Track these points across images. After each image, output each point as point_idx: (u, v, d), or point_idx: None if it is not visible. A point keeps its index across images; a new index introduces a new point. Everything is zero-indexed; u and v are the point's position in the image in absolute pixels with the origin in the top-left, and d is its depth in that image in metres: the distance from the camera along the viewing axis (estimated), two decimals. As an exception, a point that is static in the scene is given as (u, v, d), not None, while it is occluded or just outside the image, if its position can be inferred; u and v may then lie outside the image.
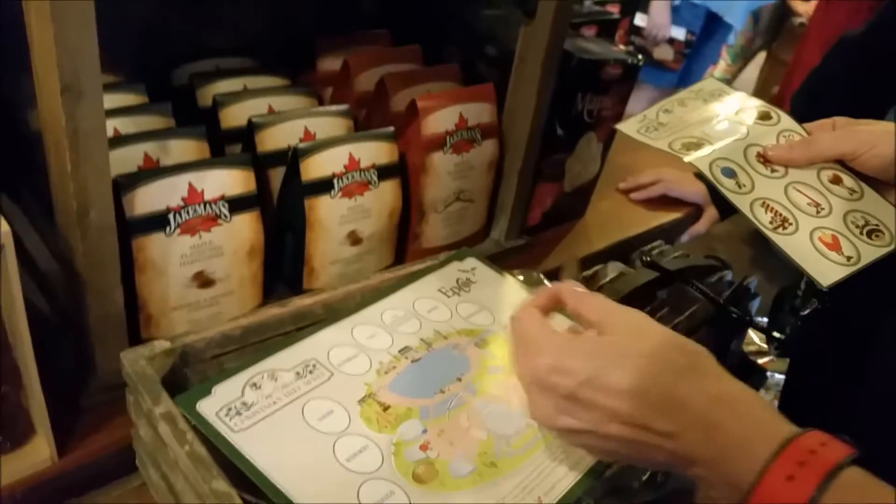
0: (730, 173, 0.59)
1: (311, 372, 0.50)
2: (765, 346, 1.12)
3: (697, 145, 0.62)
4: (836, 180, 0.61)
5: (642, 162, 1.21)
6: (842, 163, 0.62)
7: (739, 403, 0.43)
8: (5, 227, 0.46)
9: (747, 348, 1.19)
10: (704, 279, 0.91)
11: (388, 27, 0.99)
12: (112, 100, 0.74)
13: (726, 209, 1.09)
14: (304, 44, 0.93)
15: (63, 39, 0.48)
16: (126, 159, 0.65)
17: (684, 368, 0.45)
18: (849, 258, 0.56)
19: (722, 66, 3.74)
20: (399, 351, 0.54)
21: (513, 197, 0.89)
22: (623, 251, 1.00)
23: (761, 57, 3.51)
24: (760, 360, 1.00)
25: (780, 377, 1.02)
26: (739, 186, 0.59)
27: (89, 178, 0.52)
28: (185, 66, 0.87)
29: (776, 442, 0.40)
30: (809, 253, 0.55)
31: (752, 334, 1.14)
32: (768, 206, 0.58)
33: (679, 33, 2.28)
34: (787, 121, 0.65)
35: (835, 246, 0.56)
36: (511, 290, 0.66)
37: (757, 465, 0.39)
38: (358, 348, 0.54)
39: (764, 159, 0.61)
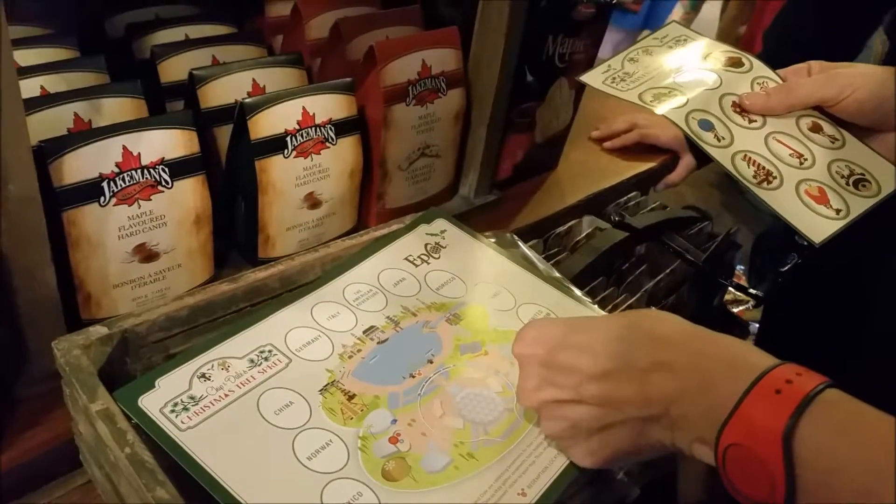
0: (707, 126, 0.56)
1: (266, 359, 0.45)
2: (741, 294, 1.10)
3: (669, 96, 0.58)
4: (816, 128, 0.59)
5: (615, 108, 1.16)
6: (820, 109, 0.60)
7: (719, 338, 0.42)
8: None
9: (728, 298, 1.18)
10: (684, 231, 0.88)
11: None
12: (40, 54, 0.67)
13: (704, 156, 1.06)
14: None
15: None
16: (54, 121, 0.58)
17: (658, 317, 0.44)
18: (838, 211, 0.53)
19: (680, 13, 3.67)
20: (364, 332, 0.50)
21: (482, 150, 0.84)
22: (598, 204, 0.96)
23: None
24: (739, 309, 0.99)
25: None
26: (718, 139, 0.55)
27: (5, 146, 0.46)
28: (120, 15, 0.79)
29: (756, 371, 0.38)
30: (797, 208, 0.53)
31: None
32: (750, 159, 0.55)
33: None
34: (759, 67, 0.62)
35: (822, 199, 0.53)
36: (483, 255, 0.62)
37: (737, 394, 0.38)
38: (318, 330, 0.49)
39: (740, 109, 0.58)
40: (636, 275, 0.82)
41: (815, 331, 0.70)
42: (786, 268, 0.78)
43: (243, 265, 0.70)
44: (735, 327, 0.98)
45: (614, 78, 0.64)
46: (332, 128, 0.70)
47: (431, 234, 0.62)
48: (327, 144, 0.70)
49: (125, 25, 0.77)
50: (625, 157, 1.06)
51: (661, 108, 0.58)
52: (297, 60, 0.75)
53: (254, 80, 0.71)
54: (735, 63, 0.64)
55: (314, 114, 0.68)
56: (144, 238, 0.59)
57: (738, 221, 1.03)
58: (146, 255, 0.59)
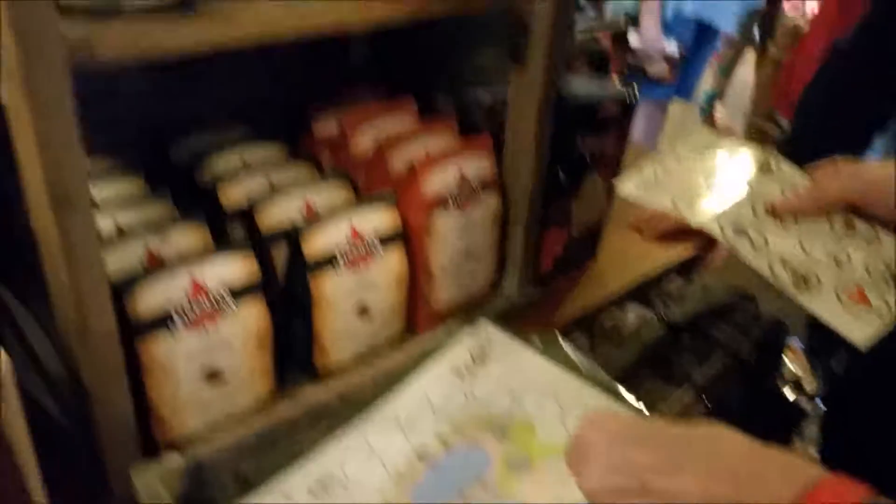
0: (741, 232, 0.58)
1: (325, 490, 0.48)
2: (799, 371, 1.09)
3: (701, 204, 0.61)
4: (850, 226, 0.60)
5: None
6: (851, 207, 0.61)
7: (775, 455, 0.43)
8: (5, 359, 0.44)
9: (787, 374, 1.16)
10: (729, 316, 0.89)
11: (379, 78, 0.98)
12: (112, 189, 0.74)
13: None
14: (300, 106, 0.92)
15: (50, 157, 0.47)
16: (128, 257, 0.64)
17: (718, 434, 0.45)
18: (880, 311, 0.54)
19: (711, 81, 3.74)
20: (416, 454, 0.52)
21: (521, 248, 0.87)
22: (641, 292, 0.98)
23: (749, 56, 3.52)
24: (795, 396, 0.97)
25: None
26: (754, 246, 0.57)
27: (87, 289, 0.51)
28: (184, 141, 0.86)
29: (802, 483, 0.39)
30: (839, 312, 0.53)
31: (789, 362, 1.11)
32: (787, 263, 0.56)
33: (672, 47, 2.27)
34: (787, 169, 0.64)
35: (863, 299, 0.54)
36: (527, 362, 0.64)
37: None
38: (373, 456, 0.51)
39: (773, 213, 0.60)
40: (683, 365, 0.82)
41: (876, 426, 0.69)
42: (838, 359, 0.78)
43: (302, 377, 0.73)
44: (791, 411, 0.97)
45: (646, 185, 0.66)
46: (379, 240, 0.74)
47: (476, 343, 0.64)
48: (374, 256, 0.74)
49: (187, 152, 0.84)
50: (665, 242, 1.08)
51: (696, 217, 0.60)
52: (344, 177, 0.80)
53: (306, 200, 0.76)
54: (763, 166, 0.66)
55: (361, 229, 0.73)
56: (211, 361, 0.63)
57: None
58: (213, 376, 0.63)
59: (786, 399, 0.96)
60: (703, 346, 0.83)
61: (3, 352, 0.45)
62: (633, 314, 0.90)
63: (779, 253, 0.57)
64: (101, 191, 0.72)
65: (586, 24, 1.22)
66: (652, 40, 2.30)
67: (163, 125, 0.86)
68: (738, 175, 0.65)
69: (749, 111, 3.39)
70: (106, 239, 0.62)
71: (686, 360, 0.83)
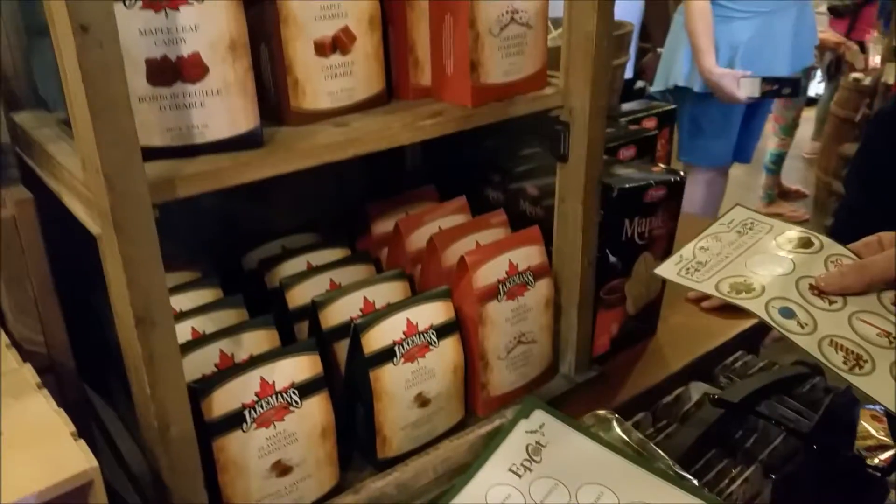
0: (789, 313, 0.58)
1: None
2: (884, 438, 1.03)
3: (746, 285, 0.61)
4: None
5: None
6: None
7: None
8: (93, 460, 0.50)
9: (864, 443, 1.10)
10: (798, 391, 0.87)
11: (432, 180, 1.05)
12: (190, 298, 0.81)
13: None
14: (359, 210, 0.99)
15: (135, 280, 0.54)
16: (204, 359, 0.70)
17: None
18: None
19: (776, 142, 3.69)
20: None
21: (575, 331, 0.89)
22: (704, 368, 0.97)
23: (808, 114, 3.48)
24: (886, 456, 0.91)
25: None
26: (802, 326, 0.57)
27: (167, 398, 0.57)
28: (255, 250, 0.94)
29: None
30: (894, 392, 0.53)
31: (868, 426, 1.06)
32: (838, 344, 0.55)
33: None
34: (829, 245, 0.64)
35: None
36: (583, 451, 0.65)
37: None
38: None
39: (818, 291, 0.60)
40: (751, 443, 0.81)
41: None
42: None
43: (365, 466, 0.77)
44: (872, 483, 0.92)
45: (688, 268, 0.67)
46: (434, 332, 0.78)
47: (531, 432, 0.66)
48: (431, 347, 0.78)
49: (257, 260, 0.92)
50: (725, 315, 1.07)
51: (740, 300, 0.60)
52: (400, 274, 0.85)
53: (364, 297, 0.81)
54: (805, 244, 0.65)
55: (417, 322, 0.77)
56: (280, 455, 0.67)
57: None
58: (281, 469, 0.67)
59: (865, 471, 0.92)
60: (770, 422, 0.82)
61: (93, 458, 0.50)
62: (695, 391, 0.90)
63: (828, 333, 0.57)
64: (181, 299, 0.80)
65: (632, 109, 1.27)
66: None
67: (235, 236, 0.95)
68: (779, 253, 0.65)
69: (815, 170, 3.32)
70: (183, 344, 0.68)
71: (752, 437, 0.81)
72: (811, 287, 0.61)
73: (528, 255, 0.85)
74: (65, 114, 0.72)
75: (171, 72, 0.59)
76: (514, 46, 0.77)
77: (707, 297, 1.11)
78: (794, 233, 0.68)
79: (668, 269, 0.69)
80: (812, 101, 4.18)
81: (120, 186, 0.51)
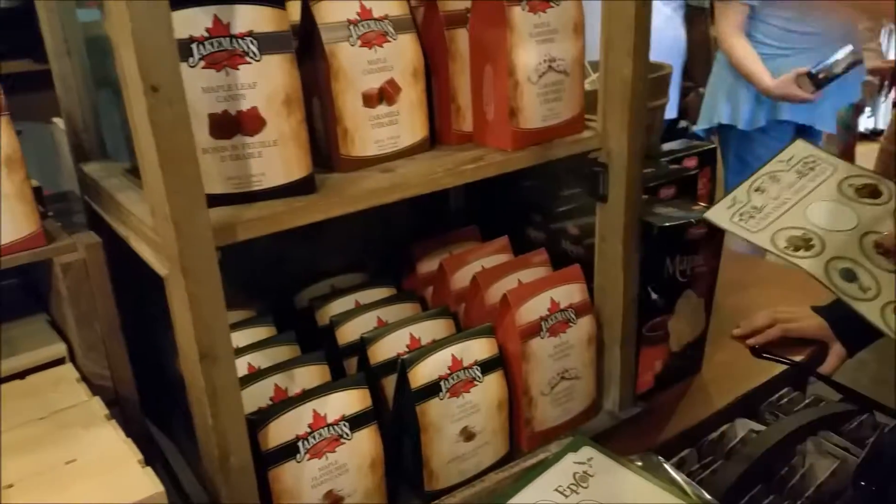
0: (850, 276, 0.52)
1: None
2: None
3: (804, 240, 0.55)
4: None
5: (753, 302, 1.19)
6: None
7: None
8: (159, 486, 0.53)
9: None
10: (846, 427, 0.86)
11: (475, 221, 1.08)
12: (246, 335, 0.85)
13: (854, 343, 1.04)
14: (404, 251, 1.03)
15: (200, 318, 0.58)
16: (260, 393, 0.74)
17: None
18: None
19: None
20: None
21: (618, 367, 0.90)
22: (749, 405, 0.97)
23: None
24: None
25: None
26: (864, 290, 0.51)
27: (228, 429, 0.60)
28: (306, 289, 0.99)
29: None
30: None
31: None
32: None
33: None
34: None
35: None
36: (631, 485, 0.66)
37: None
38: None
39: (884, 249, 0.53)
40: (796, 479, 0.80)
41: None
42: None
43: (412, 498, 0.78)
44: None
45: (741, 214, 0.60)
46: (479, 368, 0.80)
47: (579, 463, 0.67)
48: (475, 383, 0.80)
49: (308, 298, 0.96)
50: (771, 354, 1.07)
51: (798, 259, 0.54)
52: (444, 312, 0.88)
53: (411, 334, 0.84)
54: (872, 192, 0.58)
55: (462, 358, 0.79)
56: (331, 485, 0.70)
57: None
58: (333, 499, 0.70)
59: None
60: (818, 459, 0.81)
61: (159, 483, 0.54)
62: (740, 428, 0.89)
63: (892, 298, 0.51)
64: (238, 336, 0.84)
65: (673, 149, 1.28)
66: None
67: (287, 276, 0.99)
68: (842, 202, 0.57)
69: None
70: (240, 378, 0.72)
71: (798, 473, 0.80)
72: (877, 245, 0.54)
73: (569, 293, 0.87)
74: (129, 164, 0.78)
75: (232, 125, 0.64)
76: (552, 93, 0.80)
77: (751, 334, 1.11)
78: (860, 179, 0.59)
79: (720, 214, 0.61)
80: (864, 137, 4.09)
81: (187, 231, 0.56)
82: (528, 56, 0.77)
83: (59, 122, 1.09)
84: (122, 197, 0.70)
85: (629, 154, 0.83)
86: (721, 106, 2.37)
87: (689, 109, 2.87)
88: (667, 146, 1.30)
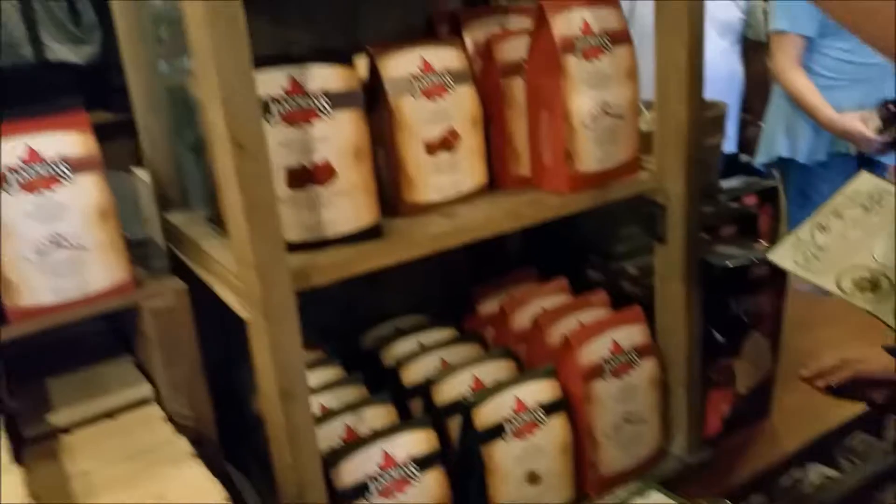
0: None
1: None
2: None
3: (871, 281, 0.54)
4: None
5: (822, 341, 1.16)
6: None
7: None
8: (243, 523, 0.56)
9: None
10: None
11: (533, 262, 1.09)
12: (316, 376, 0.88)
13: (932, 383, 1.00)
14: (464, 292, 1.05)
15: (280, 359, 0.61)
16: (331, 433, 0.76)
17: None
18: None
19: None
20: None
21: (684, 410, 0.89)
22: (822, 449, 0.94)
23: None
24: None
25: None
26: None
27: (305, 467, 0.63)
28: (370, 331, 1.02)
29: None
30: None
31: None
32: None
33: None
34: None
35: None
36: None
37: None
38: None
39: None
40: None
41: None
42: None
43: (478, 541, 0.79)
44: None
45: (805, 255, 0.59)
46: (542, 410, 0.81)
47: (644, 510, 0.67)
48: (539, 425, 0.80)
49: (373, 339, 0.99)
50: (843, 396, 1.03)
51: (865, 302, 0.52)
52: (506, 353, 0.89)
53: (474, 375, 0.86)
54: None
55: (525, 400, 0.80)
56: (399, 525, 0.71)
57: None
58: (401, 539, 0.71)
59: None
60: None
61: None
62: (814, 473, 0.87)
63: None
64: (309, 377, 0.87)
65: (732, 187, 1.27)
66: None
67: (352, 318, 1.02)
68: None
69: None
70: (314, 419, 0.75)
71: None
72: None
73: (631, 335, 0.87)
74: (208, 212, 0.83)
75: (306, 177, 0.69)
76: (608, 137, 0.82)
77: (820, 375, 1.08)
78: None
79: (782, 255, 0.60)
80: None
81: (269, 278, 0.59)
82: (583, 102, 0.79)
83: (137, 171, 1.17)
84: (206, 245, 0.75)
85: (686, 195, 0.84)
86: (780, 139, 2.34)
87: (748, 143, 2.83)
88: (726, 183, 1.29)
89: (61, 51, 2.16)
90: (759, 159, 2.46)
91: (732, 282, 0.92)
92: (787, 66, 2.14)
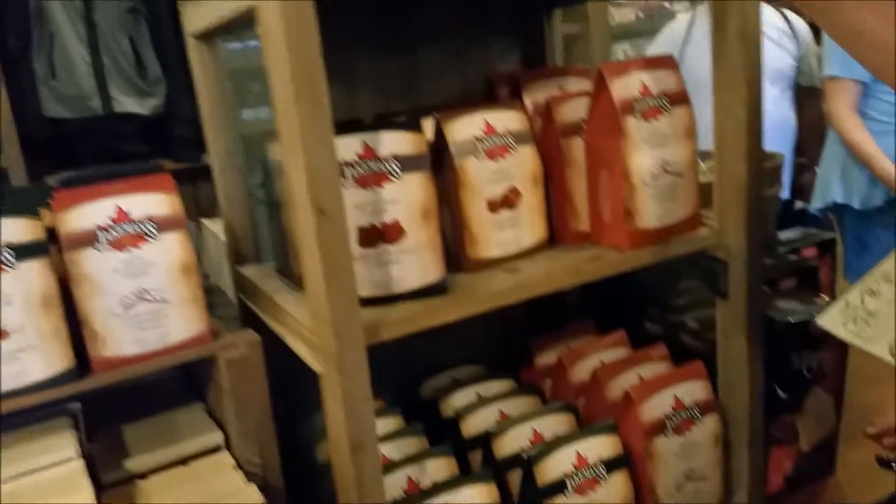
0: None
1: None
2: None
3: None
4: None
5: (888, 397, 1.13)
6: None
7: None
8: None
9: None
10: None
11: (590, 314, 1.10)
12: (379, 426, 0.90)
13: None
14: (522, 343, 1.06)
15: (351, 411, 0.63)
16: (394, 484, 0.78)
17: None
18: None
19: None
20: None
21: (746, 467, 0.88)
22: (891, 509, 0.91)
23: None
24: None
25: None
26: None
27: (368, 514, 0.64)
28: (428, 381, 1.04)
29: None
30: None
31: None
32: None
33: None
34: None
35: None
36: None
37: None
38: None
39: None
40: None
41: None
42: None
43: None
44: None
45: (856, 319, 0.58)
46: (603, 466, 0.81)
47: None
48: (600, 481, 0.80)
49: (432, 389, 1.00)
50: (908, 458, 1.00)
51: None
52: (565, 407, 0.90)
53: (533, 429, 0.86)
54: None
55: (587, 456, 0.81)
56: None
57: None
58: None
59: None
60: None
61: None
62: (885, 538, 0.84)
63: None
64: (370, 427, 0.89)
65: (791, 238, 1.27)
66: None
67: (411, 368, 1.04)
68: None
69: None
70: (378, 470, 0.77)
71: None
72: None
73: (692, 390, 0.87)
74: (280, 265, 0.87)
75: (377, 236, 0.72)
76: (667, 194, 0.83)
77: (887, 432, 1.05)
78: None
79: (832, 320, 0.60)
80: None
81: (343, 334, 0.62)
82: (642, 161, 0.81)
83: (209, 223, 1.23)
84: (279, 299, 0.78)
85: (748, 250, 0.84)
86: (835, 185, 2.30)
87: (804, 189, 2.80)
88: (784, 235, 1.28)
89: (128, 103, 2.29)
90: (815, 205, 2.43)
91: (794, 337, 0.92)
92: (845, 114, 2.12)
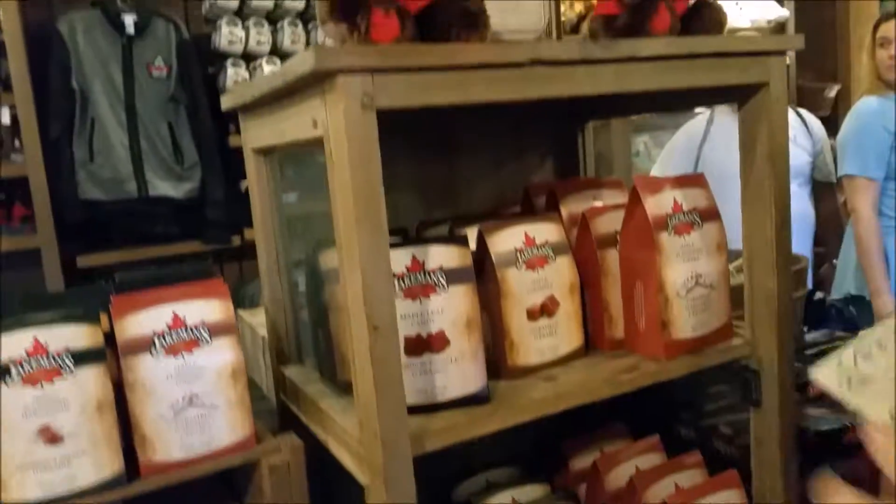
0: None
1: None
2: None
3: None
4: None
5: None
6: None
7: None
8: None
9: None
10: None
11: (622, 414, 1.11)
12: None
13: None
14: (555, 446, 1.06)
15: None
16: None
17: None
18: None
19: None
20: None
21: (788, 581, 0.87)
22: None
23: None
24: None
25: None
26: None
27: None
28: (462, 484, 1.04)
29: None
30: None
31: None
32: None
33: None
34: None
35: None
36: None
37: None
38: None
39: None
40: None
41: None
42: None
43: None
44: None
45: (850, 380, 0.58)
46: (642, 579, 0.80)
47: None
48: None
49: (467, 495, 1.00)
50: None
51: None
52: (602, 514, 0.90)
53: (569, 536, 0.86)
54: None
55: (625, 568, 0.80)
56: None
57: None
58: None
59: None
60: None
61: None
62: None
63: None
64: None
65: (816, 340, 1.28)
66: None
67: (443, 470, 1.04)
68: None
69: None
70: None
71: None
72: None
73: (728, 499, 0.87)
74: (323, 369, 0.88)
75: (423, 345, 0.75)
76: (701, 305, 0.86)
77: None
78: None
79: (828, 377, 0.59)
80: None
81: (391, 447, 0.64)
82: (675, 274, 0.84)
83: (243, 314, 1.25)
84: (325, 405, 0.80)
85: (780, 360, 0.86)
86: (851, 274, 2.32)
87: (824, 281, 2.81)
88: (810, 336, 1.30)
89: (163, 187, 2.35)
90: (833, 296, 2.44)
91: (827, 446, 0.92)
92: (867, 215, 2.17)
